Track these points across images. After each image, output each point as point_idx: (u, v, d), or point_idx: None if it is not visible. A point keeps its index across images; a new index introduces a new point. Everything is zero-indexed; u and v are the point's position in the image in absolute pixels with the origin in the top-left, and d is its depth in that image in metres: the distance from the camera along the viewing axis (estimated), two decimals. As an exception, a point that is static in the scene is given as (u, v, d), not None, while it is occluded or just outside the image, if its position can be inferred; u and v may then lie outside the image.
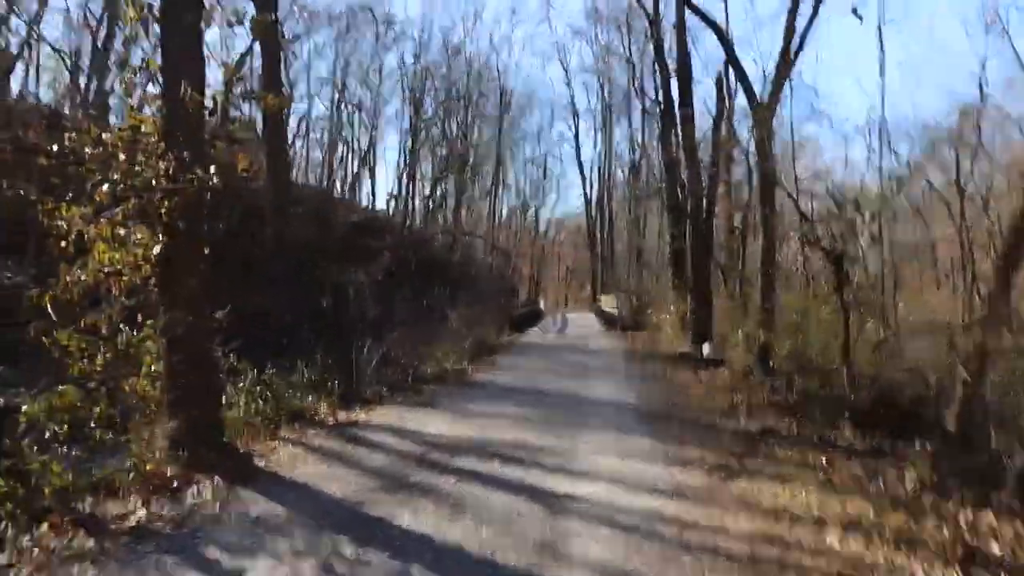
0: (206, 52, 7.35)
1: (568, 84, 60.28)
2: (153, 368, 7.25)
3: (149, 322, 7.26)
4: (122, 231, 6.79)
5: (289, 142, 38.16)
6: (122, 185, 6.66)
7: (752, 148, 20.39)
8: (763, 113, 14.64)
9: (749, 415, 11.15)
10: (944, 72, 68.77)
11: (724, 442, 8.96)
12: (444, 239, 41.36)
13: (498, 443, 8.12)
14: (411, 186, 42.35)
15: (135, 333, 7.31)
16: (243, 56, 29.99)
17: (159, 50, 7.18)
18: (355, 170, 42.83)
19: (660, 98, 24.73)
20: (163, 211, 6.66)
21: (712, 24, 15.86)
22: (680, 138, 21.59)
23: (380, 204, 43.29)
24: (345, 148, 42.45)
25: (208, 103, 7.24)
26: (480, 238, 47.41)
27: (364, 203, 42.45)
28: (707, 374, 15.91)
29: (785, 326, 14.63)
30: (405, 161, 42.00)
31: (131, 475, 6.23)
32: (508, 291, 43.00)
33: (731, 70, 21.98)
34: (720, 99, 21.89)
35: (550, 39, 79.45)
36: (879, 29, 14.97)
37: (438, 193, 44.68)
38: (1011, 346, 9.76)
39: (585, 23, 51.12)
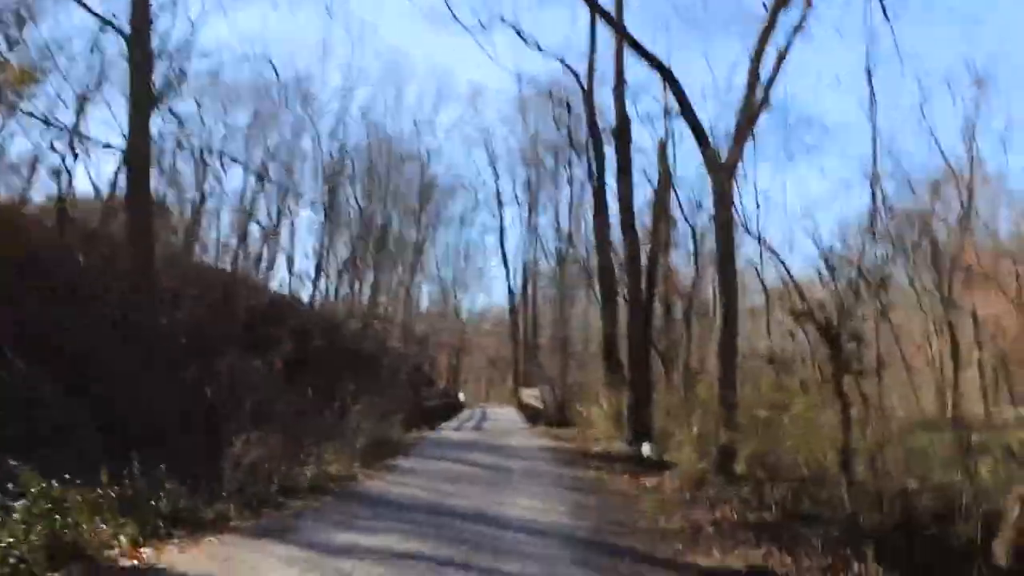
0: None
1: (494, 171, 58.32)
2: None
3: None
4: None
5: (199, 224, 35.10)
6: None
7: (701, 217, 18.17)
8: (723, 173, 12.22)
9: (722, 541, 8.31)
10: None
11: (707, 596, 6.07)
12: (355, 326, 38.19)
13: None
14: (324, 270, 39.25)
15: None
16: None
17: None
18: (265, 252, 39.47)
19: (594, 169, 22.35)
20: None
21: (659, 66, 13.48)
22: (618, 209, 19.19)
23: (296, 288, 39.94)
24: (258, 230, 39.09)
25: None
26: (396, 326, 44.30)
27: (278, 287, 39.06)
28: (652, 480, 13.07)
29: (751, 423, 11.92)
30: (318, 244, 39.02)
31: None
32: (423, 383, 39.77)
33: (670, 138, 19.88)
34: (663, 166, 19.57)
35: (476, 124, 77.12)
36: (868, 74, 12.77)
37: (351, 278, 41.60)
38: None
39: (512, 111, 49.34)
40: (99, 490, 7.92)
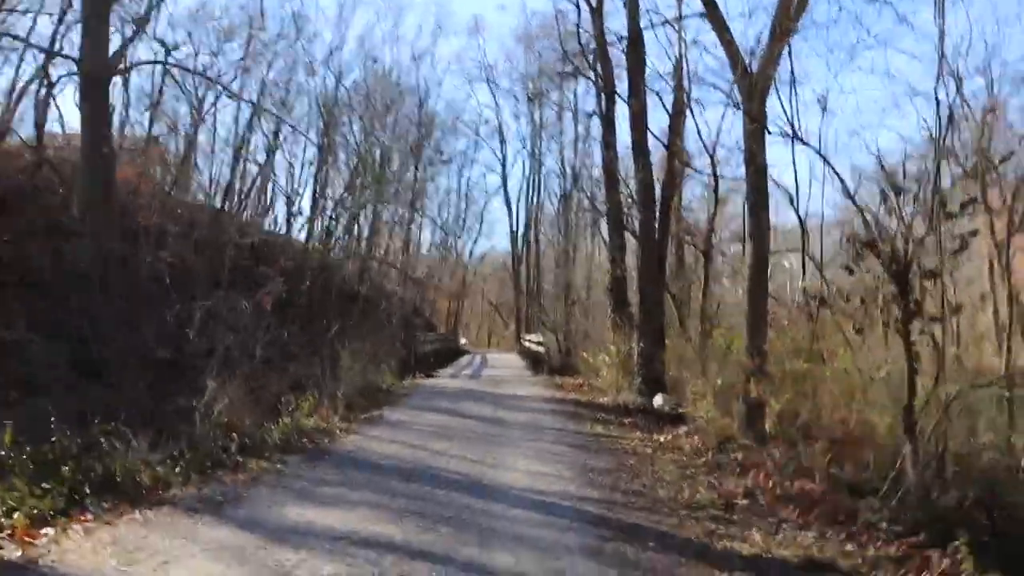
0: None
1: (496, 107, 56.44)
2: None
3: None
4: None
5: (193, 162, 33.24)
6: None
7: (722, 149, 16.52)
8: (754, 83, 10.55)
9: (761, 518, 6.88)
10: None
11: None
12: (351, 267, 36.67)
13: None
14: (319, 208, 37.46)
15: None
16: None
17: None
18: (257, 189, 37.63)
19: (602, 96, 20.60)
20: None
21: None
22: (629, 138, 17.45)
23: (291, 227, 38.21)
24: (253, 167, 37.13)
25: None
26: (394, 267, 42.70)
27: (271, 225, 37.37)
28: (668, 436, 11.67)
29: (783, 375, 10.44)
30: (314, 180, 37.23)
31: None
32: (422, 327, 38.37)
33: (684, 58, 18.06)
34: (678, 88, 17.75)
35: (477, 58, 73.88)
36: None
37: (347, 217, 39.84)
38: None
39: (514, 44, 47.33)
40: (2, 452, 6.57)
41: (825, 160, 9.00)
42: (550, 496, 7.34)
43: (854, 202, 8.00)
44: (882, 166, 7.74)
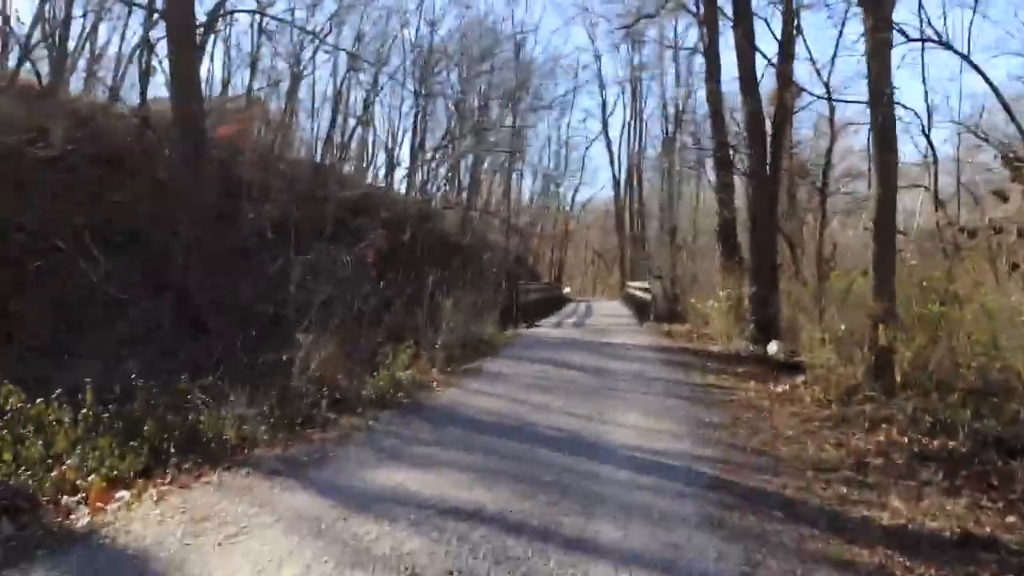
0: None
1: (595, 52, 54.84)
2: None
3: None
4: None
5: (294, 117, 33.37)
6: None
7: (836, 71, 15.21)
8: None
9: (899, 482, 6.08)
10: None
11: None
12: (453, 217, 36.47)
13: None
14: (419, 159, 37.30)
15: None
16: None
17: None
18: (357, 143, 37.58)
19: (704, 28, 19.36)
20: None
21: None
22: (736, 69, 16.19)
23: (392, 179, 38.27)
24: (352, 121, 36.97)
25: None
26: (495, 217, 42.29)
27: (372, 179, 37.52)
28: (786, 388, 10.83)
29: (915, 319, 9.45)
30: (412, 131, 37.04)
31: None
32: (525, 276, 37.93)
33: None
34: (787, 10, 16.29)
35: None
36: None
37: (449, 167, 39.51)
38: None
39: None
40: (85, 409, 6.33)
41: (969, 62, 7.87)
42: (661, 456, 6.70)
43: (1008, 111, 6.87)
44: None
